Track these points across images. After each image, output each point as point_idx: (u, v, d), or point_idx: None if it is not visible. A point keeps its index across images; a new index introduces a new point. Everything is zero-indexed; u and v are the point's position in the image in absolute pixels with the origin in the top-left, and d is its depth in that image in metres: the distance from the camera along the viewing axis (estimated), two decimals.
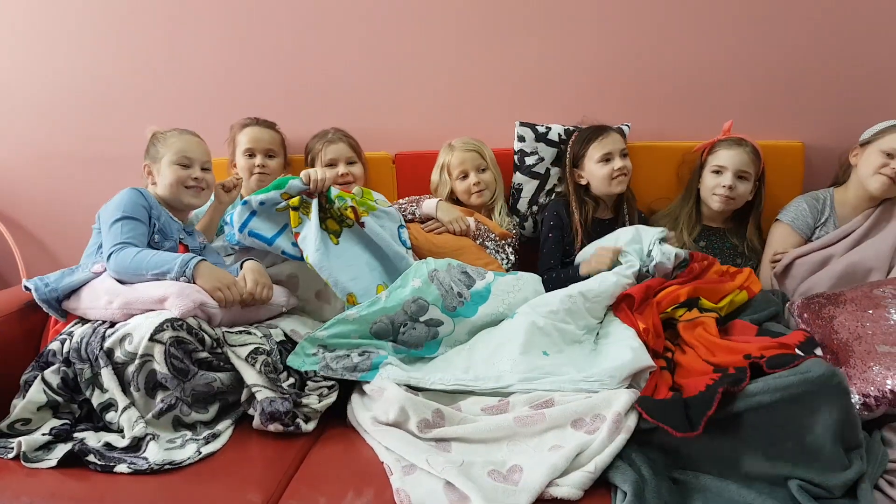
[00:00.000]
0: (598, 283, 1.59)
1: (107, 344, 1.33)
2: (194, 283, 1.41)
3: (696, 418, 1.13)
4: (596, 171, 1.90)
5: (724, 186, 1.85)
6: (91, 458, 1.22)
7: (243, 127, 2.05)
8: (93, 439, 1.29)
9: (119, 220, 1.48)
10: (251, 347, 1.37)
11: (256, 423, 1.33)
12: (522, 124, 2.07)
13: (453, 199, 2.02)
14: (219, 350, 1.38)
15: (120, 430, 1.31)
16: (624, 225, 1.91)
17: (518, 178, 2.07)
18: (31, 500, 1.15)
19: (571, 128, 2.03)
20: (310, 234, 1.56)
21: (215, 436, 1.31)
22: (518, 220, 2.07)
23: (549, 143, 2.04)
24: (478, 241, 1.83)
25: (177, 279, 1.40)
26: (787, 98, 2.03)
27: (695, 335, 1.46)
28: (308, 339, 1.46)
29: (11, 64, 2.30)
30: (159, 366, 1.29)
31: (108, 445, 1.27)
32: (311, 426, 1.35)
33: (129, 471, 1.20)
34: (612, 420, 1.18)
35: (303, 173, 1.62)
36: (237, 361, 1.36)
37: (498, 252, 1.86)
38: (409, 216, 1.88)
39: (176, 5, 2.17)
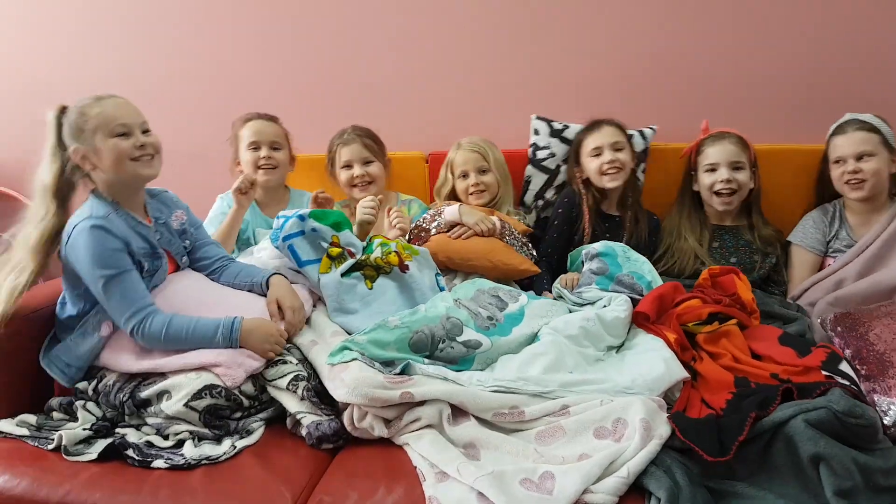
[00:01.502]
0: (610, 310, 1.59)
1: (143, 394, 1.33)
2: (242, 346, 1.38)
3: (727, 442, 1.14)
4: (588, 165, 1.93)
5: (721, 181, 1.85)
6: (130, 452, 1.24)
7: (245, 121, 2.00)
8: (133, 436, 1.31)
9: (106, 281, 1.36)
10: (290, 376, 1.36)
11: (308, 443, 1.31)
12: (538, 118, 2.09)
13: (454, 197, 2.03)
14: (256, 403, 1.38)
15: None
16: (630, 222, 1.93)
17: (529, 170, 2.09)
18: (70, 490, 1.18)
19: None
20: (331, 284, 1.54)
21: (249, 432, 1.33)
22: (523, 212, 2.08)
23: (564, 140, 2.05)
24: (505, 240, 1.82)
25: (224, 348, 1.37)
26: (823, 102, 1.99)
27: (720, 346, 1.46)
28: (347, 341, 1.42)
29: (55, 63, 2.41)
30: (194, 427, 1.31)
31: (149, 444, 1.29)
32: None
33: (167, 465, 1.22)
34: (641, 426, 1.17)
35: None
36: (278, 393, 1.36)
37: (522, 248, 1.84)
38: (435, 228, 1.86)
39: (219, 10, 2.29)
